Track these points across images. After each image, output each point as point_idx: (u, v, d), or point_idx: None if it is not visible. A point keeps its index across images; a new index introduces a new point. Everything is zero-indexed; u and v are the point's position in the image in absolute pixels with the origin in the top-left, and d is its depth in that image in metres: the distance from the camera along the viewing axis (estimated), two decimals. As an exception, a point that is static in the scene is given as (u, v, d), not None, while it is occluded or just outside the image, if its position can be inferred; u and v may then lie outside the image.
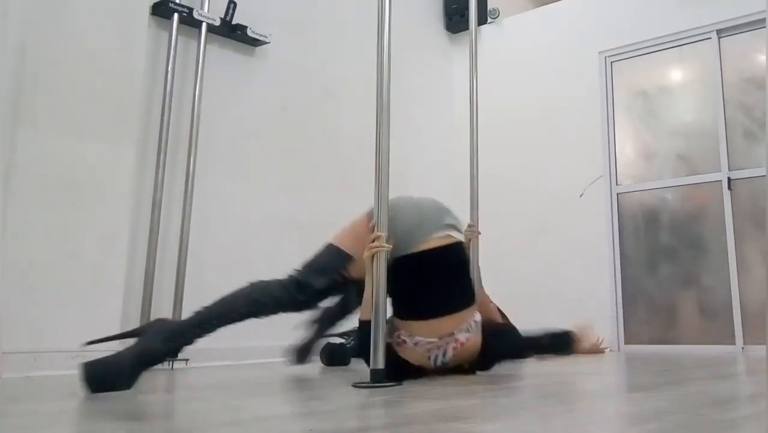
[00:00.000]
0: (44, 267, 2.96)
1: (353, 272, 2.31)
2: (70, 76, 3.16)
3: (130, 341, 2.09)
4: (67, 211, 3.07)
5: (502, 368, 2.69)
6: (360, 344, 2.29)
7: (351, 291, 2.44)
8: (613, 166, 5.05)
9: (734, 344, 4.31)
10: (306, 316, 2.72)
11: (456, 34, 5.87)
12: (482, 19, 5.47)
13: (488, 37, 5.68)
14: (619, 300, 4.84)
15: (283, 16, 4.49)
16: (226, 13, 4.04)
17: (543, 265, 5.09)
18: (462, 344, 2.36)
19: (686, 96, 4.96)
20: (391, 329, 2.34)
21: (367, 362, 2.18)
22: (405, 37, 4.72)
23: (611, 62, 5.19)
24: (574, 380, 2.52)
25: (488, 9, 5.66)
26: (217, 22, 3.97)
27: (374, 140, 2.41)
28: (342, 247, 2.37)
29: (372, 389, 2.07)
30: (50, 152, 3.06)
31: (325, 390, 2.08)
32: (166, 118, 3.66)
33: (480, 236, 4.07)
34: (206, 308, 2.24)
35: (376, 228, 2.27)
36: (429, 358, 2.35)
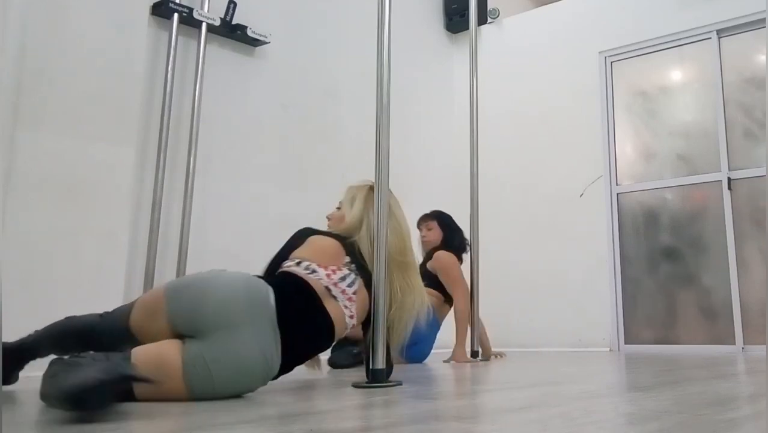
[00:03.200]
0: (44, 267, 2.96)
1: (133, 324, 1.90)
2: (70, 76, 3.16)
3: None
4: (67, 212, 3.07)
5: (500, 367, 2.68)
6: None
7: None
8: (613, 166, 5.05)
9: (734, 344, 4.31)
10: None
11: (456, 34, 5.87)
12: (482, 19, 5.47)
13: (488, 37, 5.68)
14: (619, 300, 4.84)
15: (283, 16, 4.49)
16: (226, 13, 4.04)
17: (543, 265, 5.10)
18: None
19: (686, 96, 4.96)
20: None
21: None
22: (405, 37, 4.72)
23: (611, 62, 5.19)
24: (574, 380, 2.52)
25: (488, 9, 5.66)
26: (217, 22, 3.96)
27: (374, 140, 2.41)
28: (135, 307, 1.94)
29: (372, 389, 2.07)
30: (50, 152, 3.06)
31: (325, 390, 2.08)
32: (166, 118, 3.66)
33: (480, 236, 4.08)
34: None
35: (375, 237, 2.27)
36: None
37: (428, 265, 3.71)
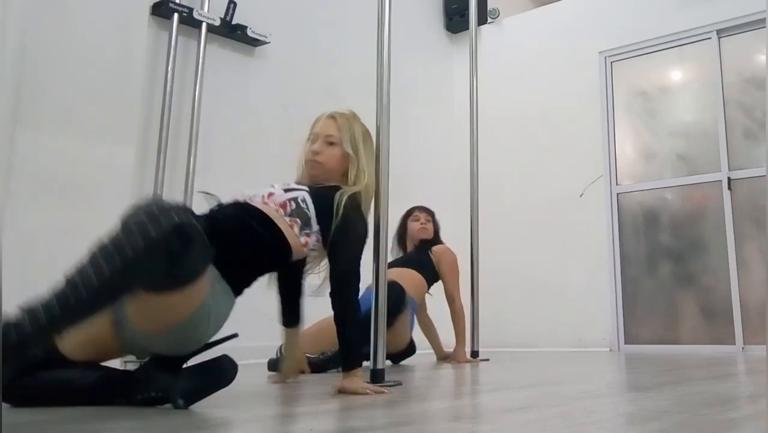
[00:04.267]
0: (44, 267, 2.96)
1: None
2: (70, 76, 3.16)
3: None
4: (67, 211, 3.07)
5: (500, 368, 2.69)
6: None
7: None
8: (613, 166, 5.05)
9: (734, 344, 4.31)
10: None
11: (456, 34, 5.87)
12: (482, 19, 5.47)
13: (488, 37, 5.68)
14: (619, 300, 4.84)
15: (283, 16, 4.49)
16: (226, 13, 4.04)
17: (543, 265, 5.10)
18: None
19: (686, 96, 4.96)
20: None
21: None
22: (405, 37, 4.72)
23: (611, 62, 5.19)
24: (574, 380, 2.52)
25: (488, 9, 5.66)
26: (217, 22, 3.96)
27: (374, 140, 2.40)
28: None
29: (372, 389, 2.07)
30: (50, 152, 3.06)
31: (325, 390, 2.07)
32: (166, 118, 3.66)
33: (480, 236, 4.07)
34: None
35: (379, 236, 2.24)
36: None
37: (436, 255, 3.67)
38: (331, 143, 2.06)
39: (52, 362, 1.60)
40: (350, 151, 2.05)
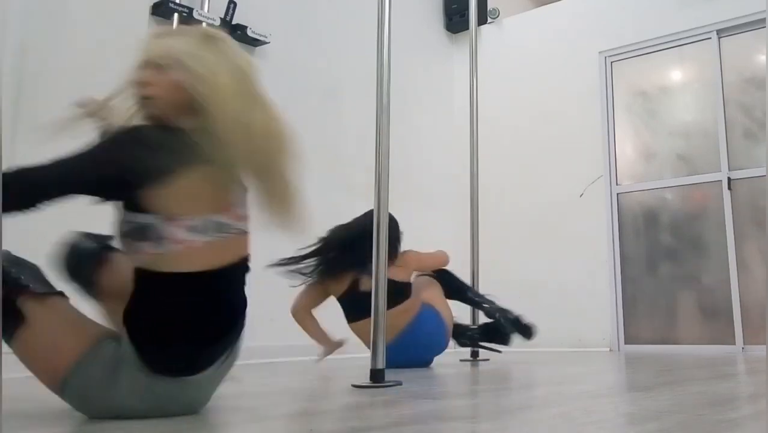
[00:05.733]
0: (44, 267, 2.96)
1: None
2: (70, 76, 3.16)
3: None
4: (67, 212, 3.06)
5: (500, 368, 2.68)
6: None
7: None
8: (613, 166, 5.05)
9: (734, 344, 4.31)
10: None
11: (456, 34, 5.87)
12: (482, 19, 5.47)
13: (488, 37, 5.68)
14: (619, 300, 4.84)
15: (283, 16, 4.49)
16: (226, 13, 4.04)
17: (543, 265, 5.09)
18: None
19: (686, 96, 4.96)
20: None
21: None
22: (405, 37, 4.72)
23: (611, 62, 5.19)
24: (574, 380, 2.52)
25: (488, 9, 5.66)
26: (217, 22, 3.96)
27: (374, 140, 2.41)
28: None
29: (372, 389, 2.07)
30: (50, 153, 3.06)
31: (325, 390, 2.08)
32: (166, 118, 3.66)
33: (480, 235, 4.07)
34: None
35: (379, 235, 2.23)
36: None
37: None
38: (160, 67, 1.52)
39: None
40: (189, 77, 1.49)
